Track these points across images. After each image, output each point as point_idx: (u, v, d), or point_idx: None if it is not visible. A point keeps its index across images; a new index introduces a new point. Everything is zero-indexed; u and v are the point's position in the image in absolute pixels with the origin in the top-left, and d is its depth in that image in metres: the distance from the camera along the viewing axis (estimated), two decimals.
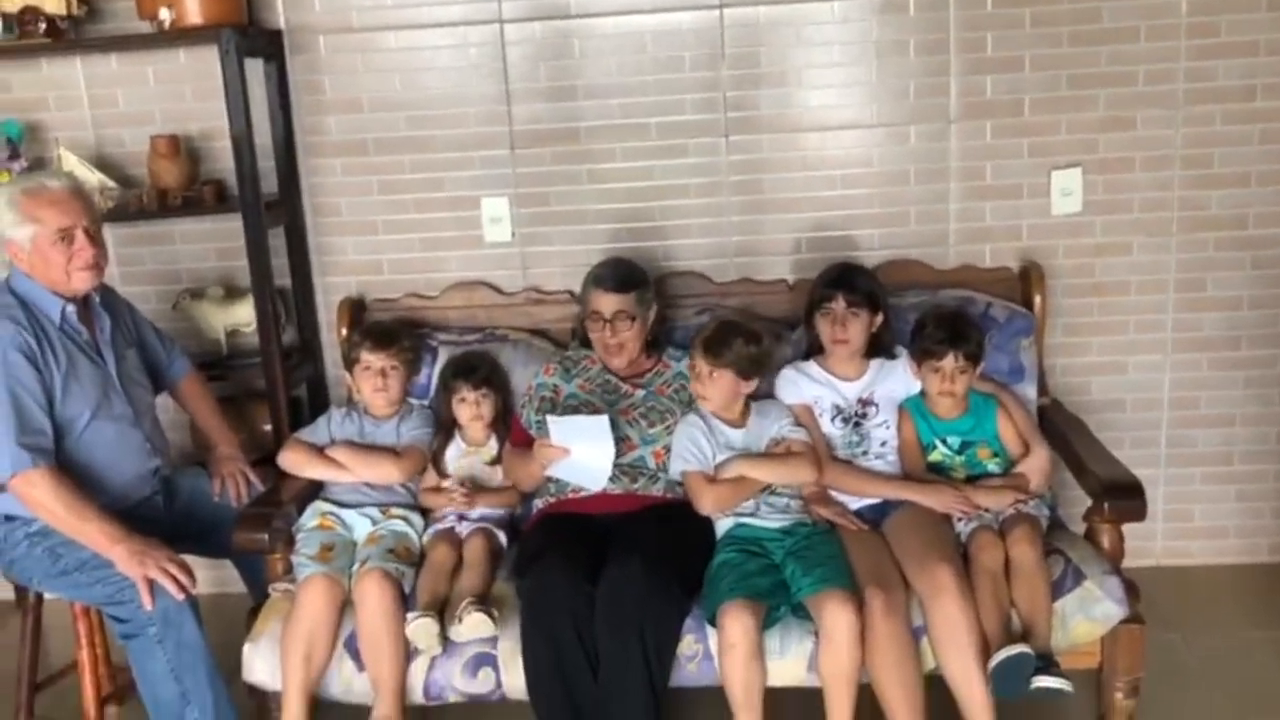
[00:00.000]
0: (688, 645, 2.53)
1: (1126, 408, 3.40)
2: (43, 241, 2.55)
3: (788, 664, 2.52)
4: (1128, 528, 2.64)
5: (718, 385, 2.74)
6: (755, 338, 2.78)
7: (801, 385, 2.87)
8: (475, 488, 2.85)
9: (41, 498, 2.48)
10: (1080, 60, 3.16)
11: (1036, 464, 2.75)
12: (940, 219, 3.30)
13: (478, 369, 2.96)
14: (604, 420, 2.68)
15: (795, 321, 3.08)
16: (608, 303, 2.89)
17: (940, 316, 2.82)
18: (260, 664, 2.61)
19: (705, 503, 2.70)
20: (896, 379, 2.88)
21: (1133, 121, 3.20)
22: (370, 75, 3.30)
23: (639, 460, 2.82)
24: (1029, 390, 3.02)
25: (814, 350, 2.92)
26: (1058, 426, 2.98)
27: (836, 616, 2.42)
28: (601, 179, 3.32)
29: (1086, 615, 2.53)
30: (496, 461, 2.92)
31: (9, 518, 2.60)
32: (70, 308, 2.63)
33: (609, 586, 2.48)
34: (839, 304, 2.80)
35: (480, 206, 3.36)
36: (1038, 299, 3.14)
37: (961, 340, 2.75)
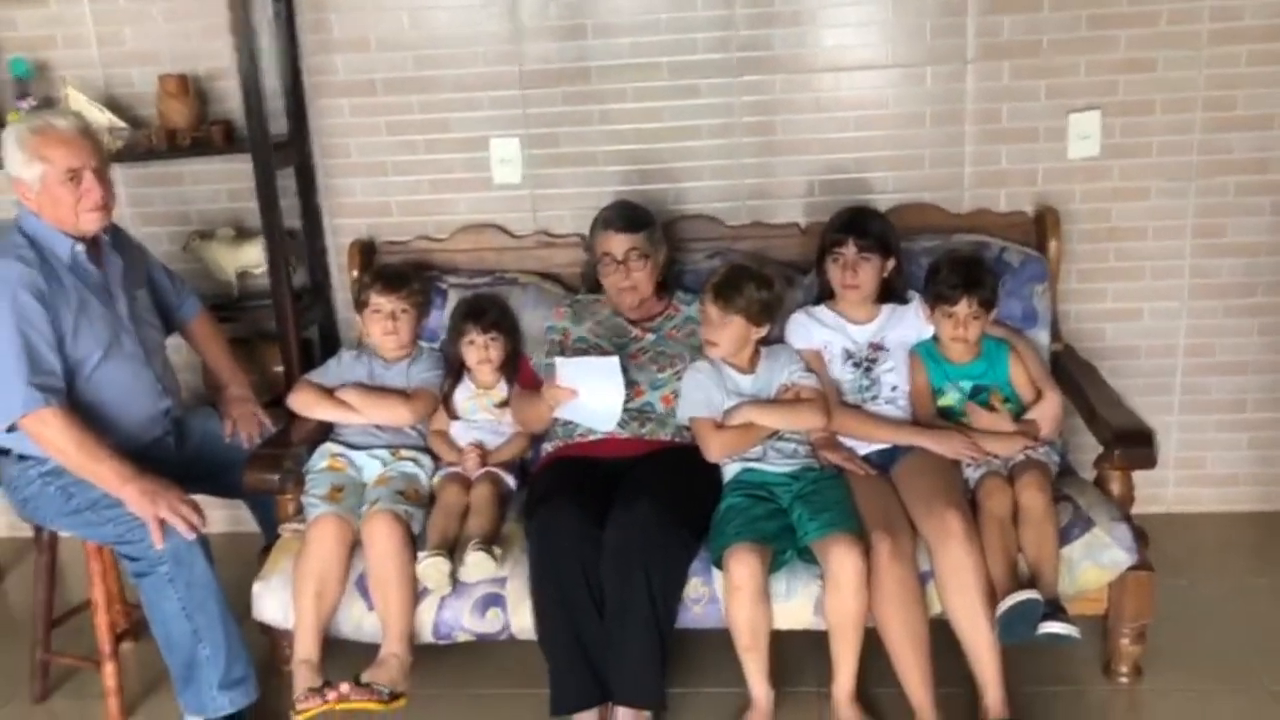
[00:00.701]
0: (694, 588, 2.55)
1: (1141, 354, 3.37)
2: (51, 181, 2.54)
3: (794, 607, 2.53)
4: (1139, 475, 2.63)
5: (728, 332, 2.72)
6: (766, 283, 2.75)
7: (812, 330, 2.85)
8: (484, 451, 2.85)
9: (53, 437, 2.49)
10: (1101, 0, 3.09)
11: (1048, 410, 2.74)
12: (955, 162, 3.25)
13: (487, 312, 2.95)
14: (614, 361, 2.67)
15: (807, 265, 3.06)
16: (619, 243, 2.87)
17: (955, 261, 2.79)
18: (271, 602, 2.64)
19: (713, 449, 2.69)
20: (908, 324, 2.86)
21: (1154, 63, 3.13)
22: (377, 13, 3.26)
23: (647, 405, 2.81)
24: (1042, 336, 3.00)
25: (825, 295, 2.90)
26: (1070, 373, 2.96)
27: (843, 561, 2.43)
28: (612, 120, 3.28)
29: (1094, 562, 2.53)
30: (505, 404, 2.92)
31: (22, 457, 2.61)
32: (80, 247, 2.62)
33: (616, 529, 2.49)
34: (850, 249, 2.78)
35: (489, 147, 3.33)
36: (1053, 244, 3.10)
37: (976, 285, 2.73)
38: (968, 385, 2.77)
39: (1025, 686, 2.59)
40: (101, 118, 3.16)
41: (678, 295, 3.01)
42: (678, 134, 3.28)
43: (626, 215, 2.91)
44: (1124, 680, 2.68)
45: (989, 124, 3.22)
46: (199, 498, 2.57)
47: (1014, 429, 2.70)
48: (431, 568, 2.53)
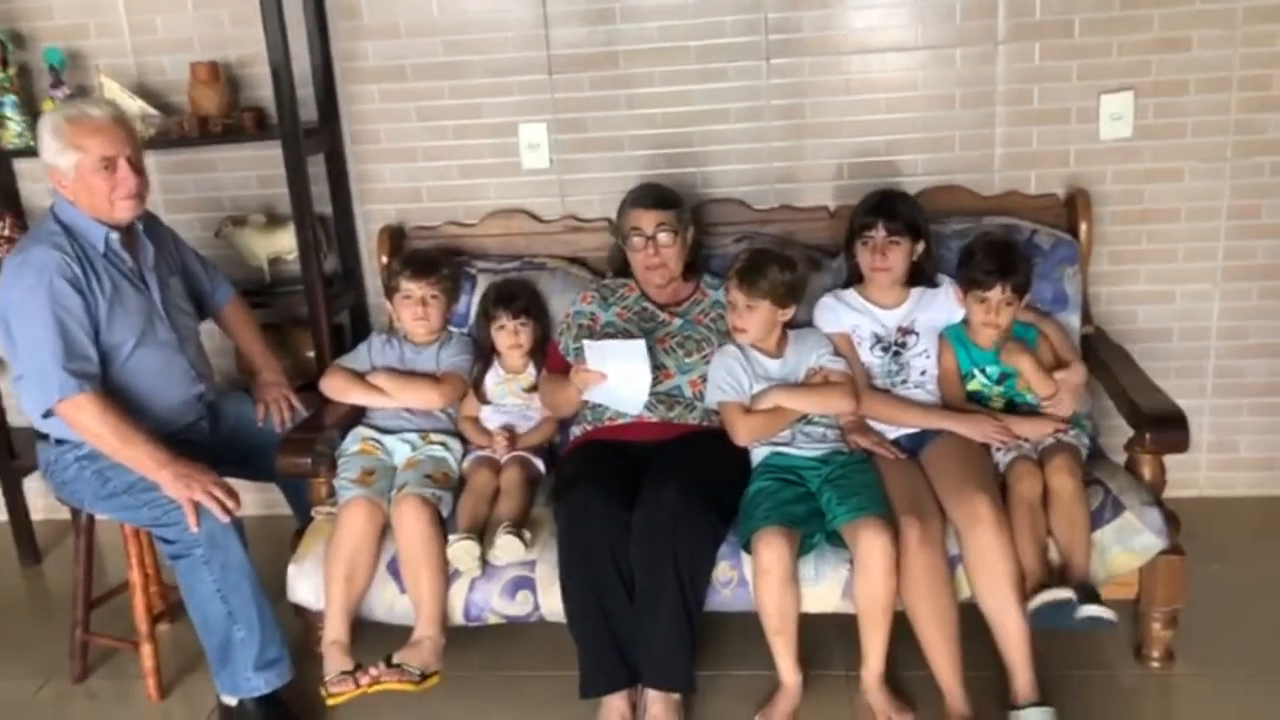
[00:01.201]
0: (723, 571, 2.55)
1: (1173, 337, 3.34)
2: (86, 170, 2.57)
3: (823, 590, 2.53)
4: (1171, 459, 2.61)
5: (755, 316, 2.72)
6: (790, 264, 2.75)
7: (840, 314, 2.84)
8: (514, 435, 2.87)
9: (88, 422, 2.52)
10: None
11: (1071, 378, 2.71)
12: (985, 144, 3.23)
13: (518, 297, 2.96)
14: (640, 344, 2.68)
15: (836, 249, 3.05)
16: (649, 219, 2.87)
17: (990, 246, 2.77)
18: (304, 584, 2.67)
19: (741, 433, 2.70)
20: (938, 307, 2.84)
21: (1188, 42, 3.10)
22: None
23: (675, 389, 2.82)
24: (1073, 319, 2.98)
25: (855, 279, 2.89)
26: (1101, 356, 2.94)
27: (872, 544, 2.43)
28: (640, 104, 3.28)
29: (1125, 546, 2.52)
30: (534, 389, 2.94)
31: (59, 441, 2.66)
32: (114, 235, 2.65)
33: (644, 512, 2.50)
34: (879, 232, 2.76)
35: (518, 133, 3.34)
36: (1084, 226, 3.08)
37: (1010, 272, 2.71)
38: (995, 372, 2.76)
39: (1055, 670, 2.58)
40: (134, 105, 3.19)
41: (705, 279, 3.01)
42: (705, 118, 3.28)
43: (655, 193, 2.93)
44: (1155, 665, 2.67)
45: (1020, 105, 3.19)
46: (233, 481, 2.60)
47: (1047, 383, 2.68)
48: (461, 551, 2.55)
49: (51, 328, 2.50)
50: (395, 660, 2.53)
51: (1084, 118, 3.18)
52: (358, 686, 2.51)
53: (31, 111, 3.27)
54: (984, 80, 3.18)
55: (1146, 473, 2.61)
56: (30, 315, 2.51)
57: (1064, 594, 2.39)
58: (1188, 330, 3.34)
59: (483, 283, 3.13)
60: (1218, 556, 3.09)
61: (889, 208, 2.79)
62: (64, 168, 2.58)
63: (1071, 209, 3.12)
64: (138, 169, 2.62)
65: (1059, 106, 3.18)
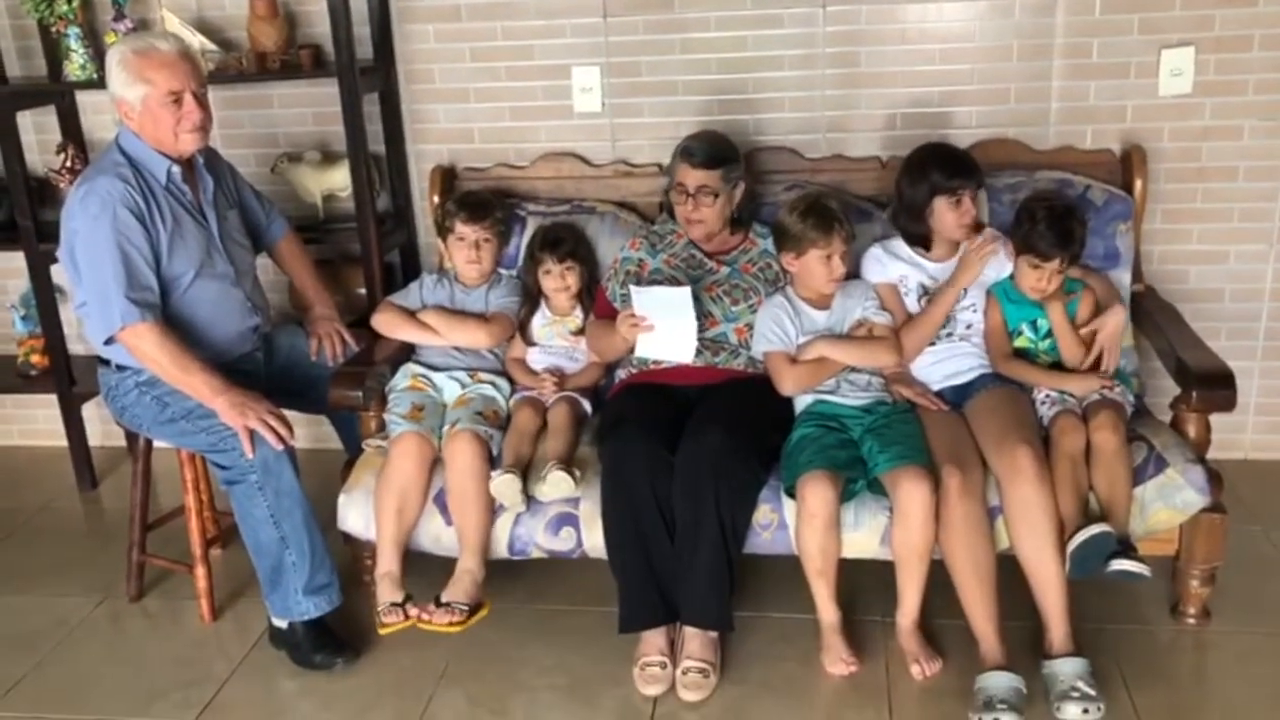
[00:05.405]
0: (763, 514, 2.59)
1: (1225, 297, 3.32)
2: (153, 102, 2.61)
3: (861, 536, 2.56)
4: (1218, 420, 2.60)
5: (845, 254, 2.75)
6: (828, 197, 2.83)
7: (888, 264, 2.84)
8: (562, 378, 2.91)
9: (148, 349, 2.59)
10: None
11: (1109, 320, 2.70)
12: (1042, 97, 3.20)
13: (563, 241, 2.98)
14: (685, 291, 2.68)
15: (887, 200, 3.04)
16: (693, 177, 2.86)
17: (1052, 215, 2.69)
18: (354, 514, 2.74)
19: (786, 383, 2.72)
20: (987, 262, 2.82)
21: None
22: None
23: (721, 336, 2.84)
24: (1124, 276, 2.97)
25: (914, 239, 2.83)
26: (1150, 313, 2.93)
27: (911, 493, 2.45)
28: (694, 49, 3.27)
29: (1166, 503, 2.52)
30: (581, 332, 2.97)
31: (120, 367, 2.73)
32: (175, 168, 2.70)
33: (687, 453, 2.54)
34: (969, 192, 2.72)
35: (571, 76, 3.34)
36: (1138, 183, 3.04)
37: (1069, 244, 2.68)
38: (1045, 325, 2.75)
39: (1091, 624, 2.60)
40: (194, 40, 3.23)
41: (755, 229, 3.00)
42: (759, 64, 3.27)
43: (707, 150, 2.87)
44: (1191, 621, 2.68)
45: (1078, 59, 3.15)
46: (285, 412, 2.66)
47: (1075, 345, 2.69)
48: (503, 485, 2.60)
49: (115, 256, 2.55)
50: (444, 599, 2.60)
51: (1143, 73, 3.14)
52: (406, 618, 2.59)
53: (95, 44, 3.32)
54: (1042, 32, 3.14)
55: (1191, 431, 2.60)
56: (95, 243, 2.56)
57: (1100, 528, 2.40)
58: (1240, 292, 3.31)
59: (532, 225, 3.15)
60: (1259, 519, 3.09)
61: (970, 166, 2.75)
62: (131, 100, 2.62)
63: (1127, 165, 3.08)
64: (202, 103, 2.66)
65: (1118, 61, 3.14)
